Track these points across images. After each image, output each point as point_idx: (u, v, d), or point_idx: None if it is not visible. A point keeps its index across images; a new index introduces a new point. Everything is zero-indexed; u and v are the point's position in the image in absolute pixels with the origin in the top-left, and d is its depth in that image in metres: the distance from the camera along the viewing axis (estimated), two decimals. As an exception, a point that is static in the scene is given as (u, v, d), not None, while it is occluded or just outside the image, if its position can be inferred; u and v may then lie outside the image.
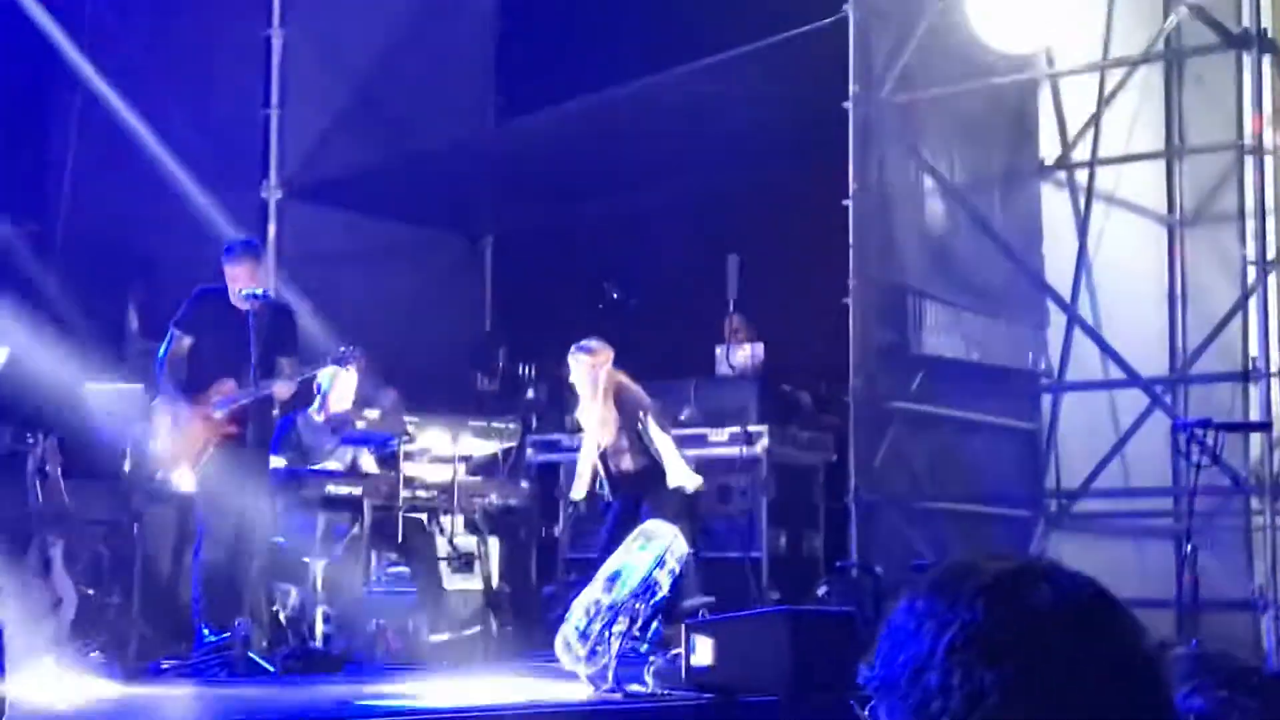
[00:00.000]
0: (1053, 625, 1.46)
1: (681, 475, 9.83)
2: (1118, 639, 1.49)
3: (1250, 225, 9.87)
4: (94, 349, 10.46)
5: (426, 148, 12.70)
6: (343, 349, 8.88)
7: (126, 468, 8.87)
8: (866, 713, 1.53)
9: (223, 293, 8.61)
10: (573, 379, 9.96)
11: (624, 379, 9.96)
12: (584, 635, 6.94)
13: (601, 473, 9.86)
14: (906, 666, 1.46)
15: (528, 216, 13.98)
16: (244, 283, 8.40)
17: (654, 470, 9.82)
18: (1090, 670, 1.45)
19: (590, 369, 9.81)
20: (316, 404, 9.71)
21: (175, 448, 8.53)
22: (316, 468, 9.35)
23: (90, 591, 9.25)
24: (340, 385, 9.51)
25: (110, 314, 11.33)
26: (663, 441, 9.85)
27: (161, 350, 8.69)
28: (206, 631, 8.30)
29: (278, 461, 9.17)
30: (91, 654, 7.79)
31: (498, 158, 13.02)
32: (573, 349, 9.92)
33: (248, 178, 12.42)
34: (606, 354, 9.87)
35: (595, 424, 9.80)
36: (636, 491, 9.81)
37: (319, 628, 8.75)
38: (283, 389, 8.57)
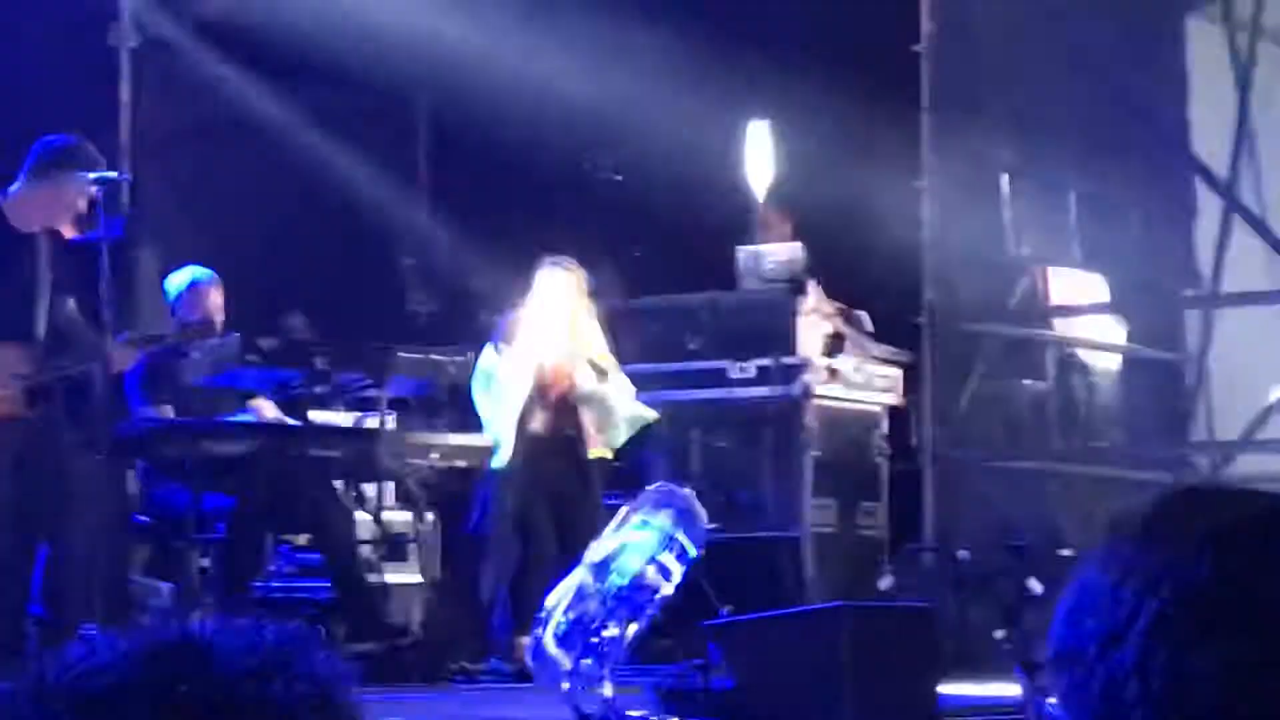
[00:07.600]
0: None
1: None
2: None
3: None
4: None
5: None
6: None
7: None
8: (1037, 684, 1.48)
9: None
10: (542, 300, 9.84)
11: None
12: (565, 641, 6.92)
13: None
14: (1095, 635, 1.44)
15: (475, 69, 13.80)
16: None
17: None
18: None
19: (570, 287, 9.79)
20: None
21: None
22: (187, 418, 9.23)
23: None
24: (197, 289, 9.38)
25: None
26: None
27: None
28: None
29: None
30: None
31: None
32: (553, 261, 9.87)
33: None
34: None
35: (552, 362, 9.75)
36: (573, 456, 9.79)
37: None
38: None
